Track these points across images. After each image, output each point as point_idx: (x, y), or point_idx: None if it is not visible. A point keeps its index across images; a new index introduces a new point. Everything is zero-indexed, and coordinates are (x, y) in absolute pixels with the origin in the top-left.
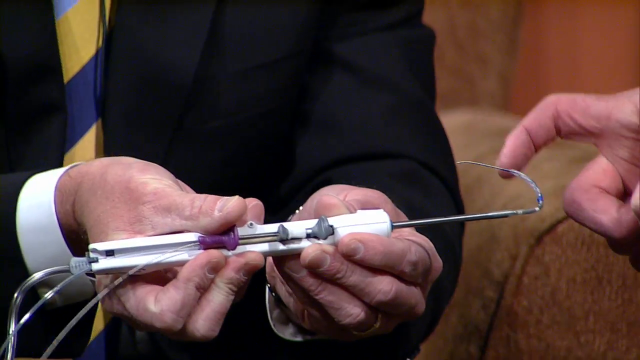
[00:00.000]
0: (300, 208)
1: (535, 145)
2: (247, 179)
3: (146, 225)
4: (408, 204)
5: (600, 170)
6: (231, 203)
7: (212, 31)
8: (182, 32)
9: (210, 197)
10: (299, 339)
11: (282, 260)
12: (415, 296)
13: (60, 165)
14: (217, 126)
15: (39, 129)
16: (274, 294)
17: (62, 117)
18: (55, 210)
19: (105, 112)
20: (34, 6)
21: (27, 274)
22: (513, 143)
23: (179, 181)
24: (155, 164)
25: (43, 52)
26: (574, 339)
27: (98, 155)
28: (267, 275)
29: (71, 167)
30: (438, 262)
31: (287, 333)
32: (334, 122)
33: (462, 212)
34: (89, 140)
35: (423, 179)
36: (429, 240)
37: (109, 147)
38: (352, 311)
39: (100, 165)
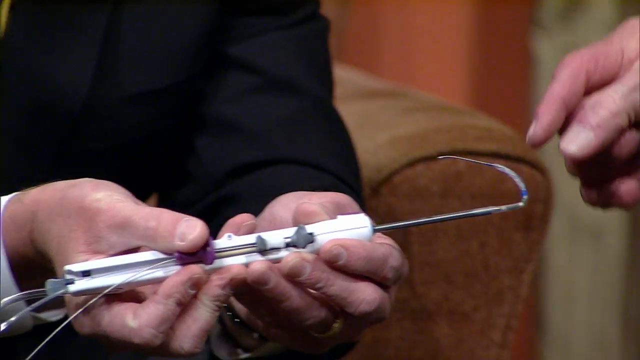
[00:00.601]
0: (259, 216)
1: (567, 115)
2: (138, 192)
3: (103, 244)
4: None
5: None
6: (195, 234)
7: (103, 54)
8: (72, 55)
9: (167, 217)
10: (232, 359)
11: None
12: (390, 302)
13: None
14: (103, 147)
15: None
16: (228, 313)
17: None
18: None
19: None
20: None
21: None
22: (551, 116)
23: (132, 196)
24: (107, 181)
25: None
26: (410, 291)
27: None
28: None
29: (21, 194)
30: (407, 266)
31: (223, 352)
32: (235, 127)
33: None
34: None
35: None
36: (394, 242)
37: None
38: (315, 312)
39: (54, 191)
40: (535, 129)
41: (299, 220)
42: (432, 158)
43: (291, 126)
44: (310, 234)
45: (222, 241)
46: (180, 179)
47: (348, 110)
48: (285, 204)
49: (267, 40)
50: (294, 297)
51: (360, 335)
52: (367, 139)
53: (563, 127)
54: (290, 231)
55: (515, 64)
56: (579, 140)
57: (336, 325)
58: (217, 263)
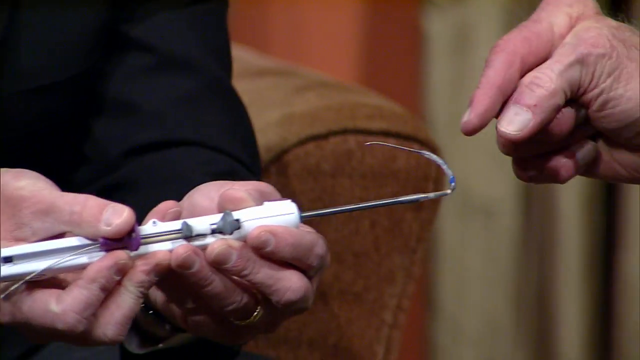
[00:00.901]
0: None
1: (503, 100)
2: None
3: (26, 231)
4: None
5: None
6: (121, 220)
7: (3, 49)
8: None
9: (93, 202)
10: (142, 351)
11: None
12: (312, 293)
13: None
14: (7, 139)
15: None
16: (143, 304)
17: None
18: None
19: None
20: None
21: None
22: (486, 104)
23: (54, 184)
24: (28, 170)
25: None
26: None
27: None
28: None
29: None
30: (329, 256)
31: (133, 345)
32: (131, 107)
33: None
34: None
35: (242, 179)
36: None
37: None
38: (237, 297)
39: None
40: (470, 116)
41: (225, 206)
42: (322, 137)
43: (187, 106)
44: (237, 220)
45: (148, 227)
46: (76, 160)
47: (237, 88)
48: (206, 193)
49: (162, 19)
50: (217, 282)
51: (277, 327)
52: (257, 117)
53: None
54: (217, 217)
55: (406, 41)
56: (517, 122)
57: (257, 313)
58: (142, 249)
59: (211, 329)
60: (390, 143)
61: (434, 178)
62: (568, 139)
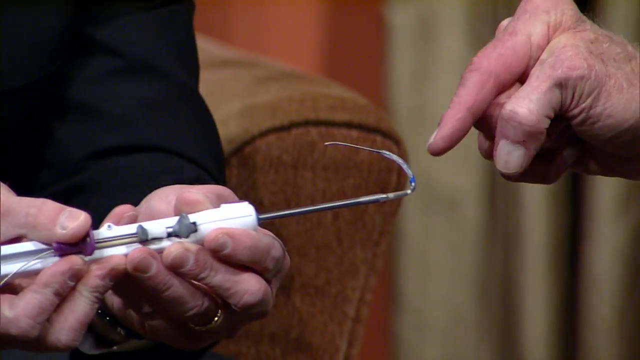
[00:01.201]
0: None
1: (473, 121)
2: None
3: None
4: None
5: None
6: (77, 224)
7: None
8: None
9: (49, 206)
10: (95, 352)
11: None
12: (272, 296)
13: None
14: None
15: None
16: (99, 310)
17: None
18: None
19: None
20: None
21: None
22: (453, 127)
23: (10, 189)
24: None
25: None
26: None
27: None
28: None
29: None
30: (288, 260)
31: (87, 345)
32: (95, 111)
33: None
34: None
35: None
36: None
37: None
38: (198, 301)
39: None
40: (436, 138)
41: (181, 209)
42: (284, 129)
43: (152, 111)
44: (193, 223)
45: (103, 231)
46: (37, 163)
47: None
48: (164, 197)
49: (128, 22)
50: (176, 286)
51: (238, 332)
52: (218, 108)
53: (480, 125)
54: (173, 220)
55: (368, 32)
56: (514, 161)
57: (217, 318)
58: (97, 254)
59: (170, 334)
60: (354, 135)
61: (397, 170)
62: (556, 143)
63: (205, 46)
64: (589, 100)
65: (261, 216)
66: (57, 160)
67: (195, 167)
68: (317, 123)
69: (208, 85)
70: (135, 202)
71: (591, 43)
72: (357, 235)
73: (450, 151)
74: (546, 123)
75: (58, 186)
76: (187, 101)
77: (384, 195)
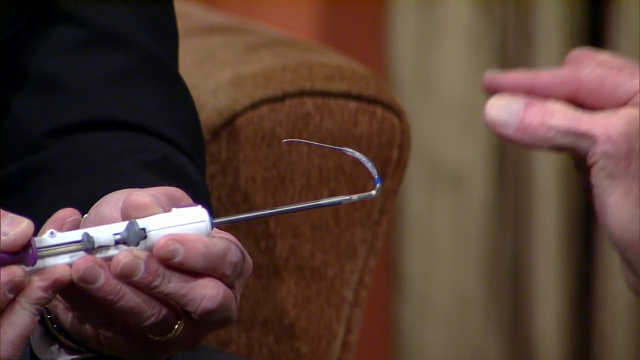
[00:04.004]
0: (85, 217)
1: (526, 93)
2: None
3: None
4: None
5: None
6: (19, 230)
7: None
8: None
9: None
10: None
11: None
12: (234, 300)
13: None
14: None
15: None
16: (55, 325)
17: None
18: None
19: None
20: None
21: None
22: (509, 80)
23: None
24: None
25: None
26: (254, 245)
27: None
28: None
29: None
30: (249, 262)
31: (49, 356)
32: (57, 84)
33: (208, 197)
34: None
35: (178, 169)
36: (234, 237)
37: None
38: (154, 310)
39: None
40: (495, 74)
41: (129, 213)
42: (277, 99)
43: (118, 84)
44: (143, 229)
45: (45, 239)
46: None
47: (185, 47)
48: (114, 203)
49: None
50: (129, 296)
51: (200, 342)
52: (207, 78)
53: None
54: (121, 226)
55: None
56: (496, 109)
57: (177, 327)
58: (40, 263)
59: (127, 347)
60: (352, 107)
61: (399, 144)
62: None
63: (193, 11)
64: (605, 182)
65: (215, 220)
66: (15, 136)
67: (162, 146)
68: (313, 93)
69: (196, 53)
70: (93, 189)
71: None
72: (355, 214)
73: (456, 123)
74: (553, 145)
75: (15, 166)
76: (158, 73)
77: (347, 197)
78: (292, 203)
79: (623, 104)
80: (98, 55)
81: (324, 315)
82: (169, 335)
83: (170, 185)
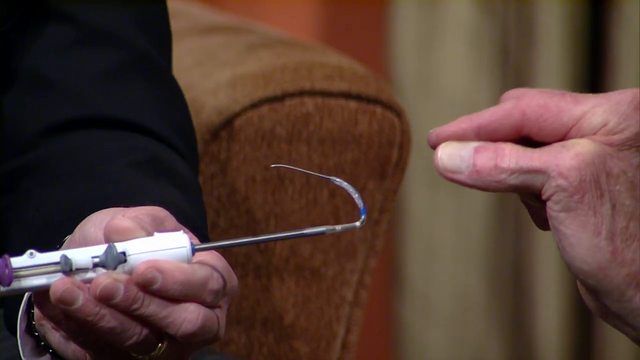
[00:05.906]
0: (68, 238)
1: (476, 138)
2: None
3: None
4: (166, 206)
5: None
6: None
7: None
8: None
9: None
10: None
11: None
12: (217, 320)
13: None
14: None
15: None
16: (42, 343)
17: None
18: None
19: None
20: None
21: None
22: (453, 132)
23: None
24: None
25: None
26: (254, 244)
27: None
28: (36, 324)
29: None
30: (234, 282)
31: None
32: (48, 83)
33: (200, 194)
34: None
35: (169, 167)
36: (221, 258)
37: None
38: (136, 330)
39: None
40: (434, 131)
41: (110, 237)
42: (277, 99)
43: (109, 82)
44: (123, 253)
45: (23, 259)
46: None
47: (185, 47)
48: (98, 223)
49: None
50: (108, 316)
51: (188, 358)
52: (206, 78)
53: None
54: (100, 249)
55: None
56: (447, 159)
57: (161, 346)
58: (15, 284)
59: None
60: (352, 106)
61: (399, 144)
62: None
63: (193, 11)
64: (561, 215)
65: (197, 247)
66: (6, 135)
67: (154, 144)
68: (313, 93)
69: (196, 53)
70: (84, 191)
71: (608, 174)
72: (355, 214)
73: None
74: (507, 187)
75: (7, 166)
76: (149, 72)
77: (331, 227)
78: (275, 232)
79: (569, 129)
80: (89, 53)
81: (324, 315)
82: (152, 353)
83: (161, 183)
